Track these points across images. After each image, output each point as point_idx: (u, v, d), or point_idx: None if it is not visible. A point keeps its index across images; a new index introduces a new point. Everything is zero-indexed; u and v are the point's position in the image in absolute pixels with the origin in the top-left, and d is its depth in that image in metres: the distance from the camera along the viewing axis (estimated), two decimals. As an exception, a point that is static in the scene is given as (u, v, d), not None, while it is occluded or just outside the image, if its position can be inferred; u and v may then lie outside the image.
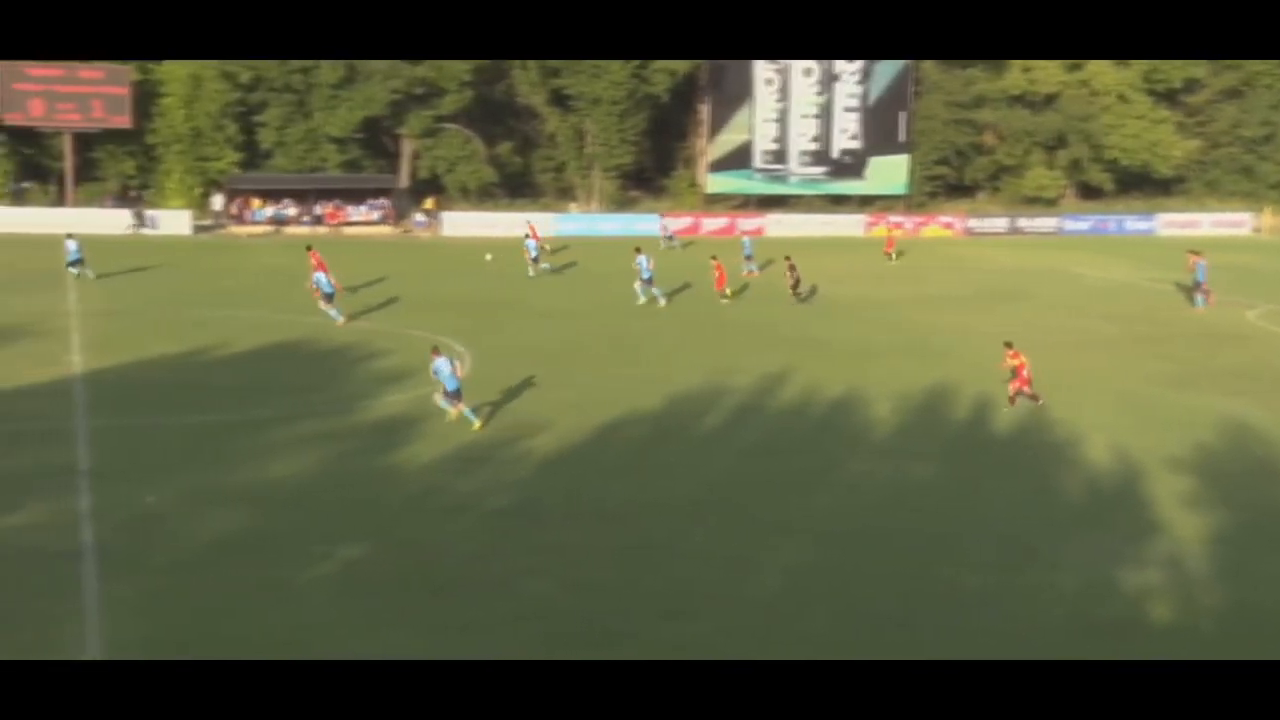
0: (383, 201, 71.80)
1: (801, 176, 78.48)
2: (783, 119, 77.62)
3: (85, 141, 69.60)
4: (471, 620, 17.70)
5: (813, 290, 48.43)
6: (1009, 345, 31.07)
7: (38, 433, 26.55)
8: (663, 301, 45.55)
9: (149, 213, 66.85)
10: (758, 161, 77.73)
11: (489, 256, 56.52)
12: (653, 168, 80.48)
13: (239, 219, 69.06)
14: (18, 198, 68.23)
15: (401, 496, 23.23)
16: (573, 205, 76.97)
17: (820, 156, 78.41)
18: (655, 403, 30.38)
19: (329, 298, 40.85)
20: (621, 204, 77.58)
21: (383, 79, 71.66)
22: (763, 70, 76.67)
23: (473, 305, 44.67)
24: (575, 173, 77.40)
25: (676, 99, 77.14)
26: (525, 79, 75.21)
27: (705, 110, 77.35)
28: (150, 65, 69.79)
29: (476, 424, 27.45)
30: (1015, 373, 30.45)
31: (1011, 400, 30.47)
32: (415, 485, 23.96)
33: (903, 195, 79.78)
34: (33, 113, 67.00)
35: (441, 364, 27.69)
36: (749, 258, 54.58)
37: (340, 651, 16.02)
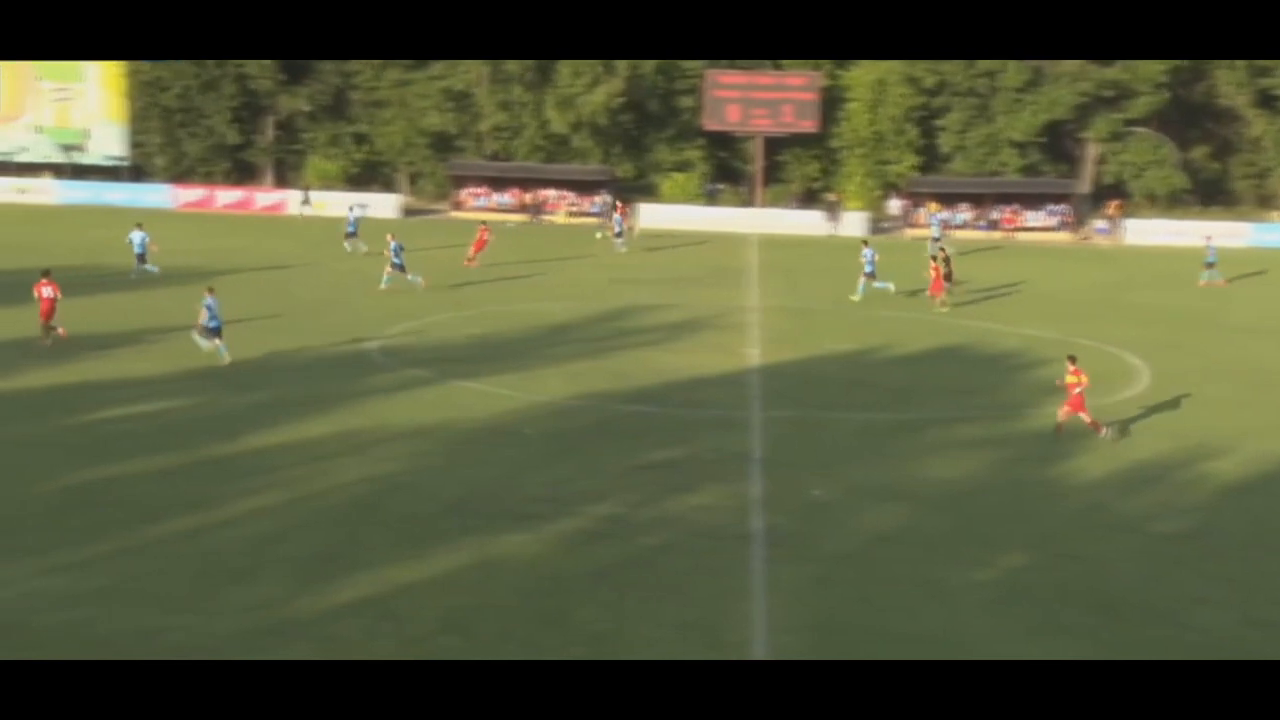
0: (1062, 207, 69.95)
1: None
2: None
3: (773, 145, 73.14)
4: (1137, 642, 16.70)
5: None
6: (1072, 360, 26.64)
7: (716, 420, 28.09)
8: (857, 297, 43.23)
9: (842, 213, 69.21)
10: None
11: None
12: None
13: (911, 221, 69.87)
14: (711, 198, 72.92)
15: (1064, 510, 22.39)
16: (1276, 214, 71.21)
17: None
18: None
19: (398, 268, 43.13)
20: (1332, 213, 70.86)
21: (1070, 81, 69.80)
22: None
23: (1155, 317, 42.43)
24: (1280, 179, 71.62)
25: None
26: (1230, 79, 70.42)
27: None
28: (838, 71, 72.17)
29: (226, 358, 30.80)
30: (1069, 393, 26.29)
31: (1059, 428, 26.61)
32: (1078, 500, 23.01)
33: None
34: (729, 119, 71.30)
35: (212, 303, 31.13)
36: (1211, 265, 50.53)
37: (994, 656, 15.64)
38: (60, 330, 32.61)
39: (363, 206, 58.33)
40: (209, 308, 31.31)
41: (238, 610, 16.66)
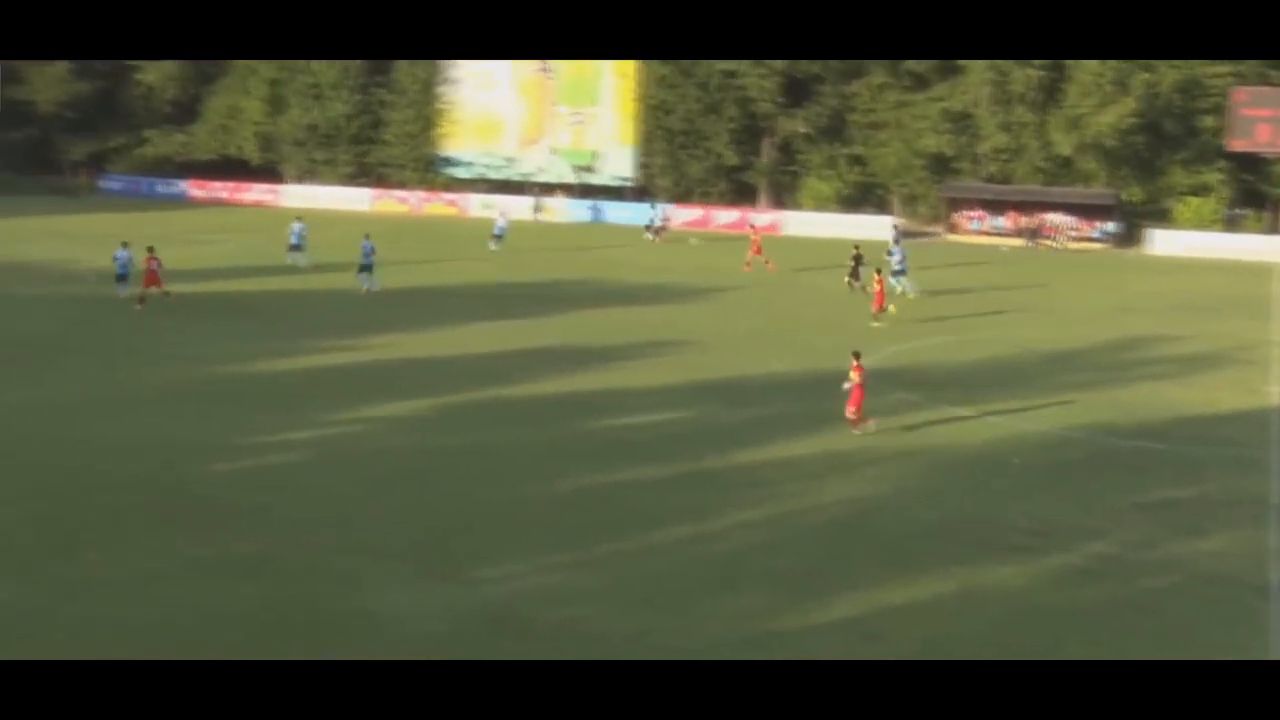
0: None
1: None
2: None
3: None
4: None
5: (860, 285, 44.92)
6: (856, 356, 26.79)
7: (1230, 459, 26.07)
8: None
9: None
10: None
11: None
12: None
13: None
14: (1231, 224, 68.30)
15: None
16: None
17: None
18: None
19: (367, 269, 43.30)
20: None
21: None
22: None
23: None
24: None
25: None
26: None
27: None
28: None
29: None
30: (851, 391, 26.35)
31: (853, 423, 26.50)
32: None
33: None
34: (1258, 139, 66.51)
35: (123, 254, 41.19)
36: None
37: None
38: (171, 296, 39.55)
39: (504, 214, 61.61)
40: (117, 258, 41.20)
41: (722, 618, 16.88)
